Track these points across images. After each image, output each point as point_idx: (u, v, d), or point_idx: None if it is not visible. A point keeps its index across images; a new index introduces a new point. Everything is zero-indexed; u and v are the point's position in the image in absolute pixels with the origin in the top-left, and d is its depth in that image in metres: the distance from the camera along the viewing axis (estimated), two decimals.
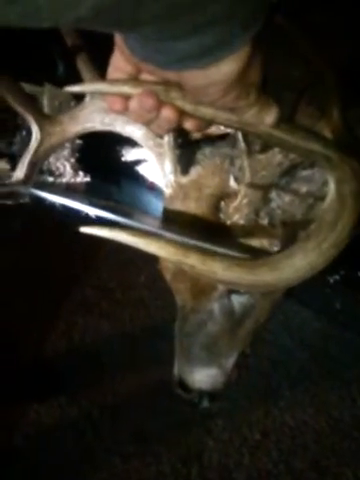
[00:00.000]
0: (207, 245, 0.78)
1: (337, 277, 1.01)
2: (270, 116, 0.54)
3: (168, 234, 0.83)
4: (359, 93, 0.81)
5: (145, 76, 0.53)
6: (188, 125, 0.56)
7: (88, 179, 1.32)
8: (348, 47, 0.95)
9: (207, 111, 0.52)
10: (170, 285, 0.99)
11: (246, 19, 0.42)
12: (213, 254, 0.63)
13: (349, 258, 1.02)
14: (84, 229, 0.61)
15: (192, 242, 0.79)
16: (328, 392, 1.99)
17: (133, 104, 0.52)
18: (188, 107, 0.52)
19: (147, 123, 0.54)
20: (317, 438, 1.90)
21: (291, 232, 0.88)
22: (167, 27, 0.40)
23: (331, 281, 1.02)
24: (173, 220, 0.95)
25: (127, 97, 0.52)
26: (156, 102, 0.51)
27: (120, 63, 0.53)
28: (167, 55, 0.45)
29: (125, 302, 2.35)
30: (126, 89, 0.51)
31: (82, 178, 1.32)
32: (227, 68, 0.45)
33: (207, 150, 0.96)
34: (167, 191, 0.99)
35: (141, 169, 1.08)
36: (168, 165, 0.98)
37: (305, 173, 0.86)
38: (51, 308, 2.33)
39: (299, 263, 0.61)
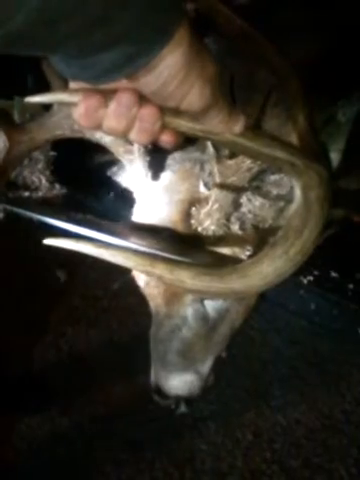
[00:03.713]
0: (174, 256, 0.77)
1: (311, 278, 1.02)
2: (238, 125, 0.54)
3: (136, 246, 0.82)
4: (324, 96, 0.81)
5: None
6: (165, 138, 0.54)
7: (65, 191, 1.31)
8: (316, 44, 0.96)
9: (170, 120, 0.51)
10: (143, 292, 0.99)
11: (161, 20, 0.42)
12: (180, 263, 0.63)
13: (322, 259, 1.03)
14: (48, 241, 0.61)
15: (159, 253, 0.79)
16: (318, 389, 2.00)
17: (111, 106, 0.48)
18: None
19: (127, 128, 0.50)
20: (309, 435, 1.90)
21: (263, 236, 0.89)
22: (85, 43, 0.41)
23: (305, 282, 1.02)
24: (145, 228, 0.95)
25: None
26: (136, 97, 0.48)
27: None
28: (93, 70, 0.45)
29: (112, 310, 2.33)
30: None
31: (59, 190, 1.30)
32: (170, 60, 0.45)
33: (177, 155, 0.96)
34: (138, 197, 0.99)
35: (113, 176, 1.07)
36: (138, 171, 0.98)
37: (274, 177, 0.86)
38: (38, 319, 2.31)
39: (266, 270, 0.61)
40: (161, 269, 0.61)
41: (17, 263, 2.36)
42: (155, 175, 0.97)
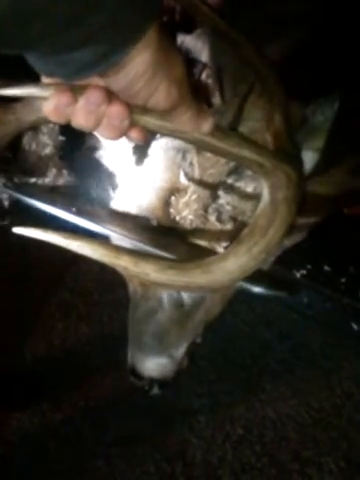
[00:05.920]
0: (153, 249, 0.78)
1: (304, 271, 1.02)
2: (206, 124, 0.55)
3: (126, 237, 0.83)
4: (302, 94, 0.80)
5: None
6: (133, 134, 0.55)
7: (73, 178, 1.29)
8: (295, 41, 0.94)
9: (138, 117, 0.52)
10: (121, 273, 1.00)
11: (135, 22, 0.43)
12: (145, 256, 0.63)
13: (315, 252, 1.03)
14: (16, 230, 0.62)
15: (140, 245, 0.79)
16: (308, 383, 2.00)
17: (80, 103, 0.49)
18: None
19: (95, 124, 0.51)
20: (299, 429, 1.91)
21: (241, 229, 0.88)
22: (59, 41, 0.41)
23: (298, 276, 1.02)
24: (124, 215, 0.96)
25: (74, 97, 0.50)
26: (105, 95, 0.49)
27: None
28: (67, 67, 0.46)
29: (103, 303, 2.33)
30: None
31: (67, 178, 1.28)
32: (138, 59, 0.46)
33: (163, 142, 0.95)
34: (121, 182, 0.99)
35: (100, 159, 1.06)
36: (123, 156, 0.97)
37: (250, 172, 0.85)
38: (28, 313, 2.30)
39: (231, 266, 0.61)
40: (126, 261, 0.62)
41: (6, 255, 2.35)
42: (139, 161, 0.96)
